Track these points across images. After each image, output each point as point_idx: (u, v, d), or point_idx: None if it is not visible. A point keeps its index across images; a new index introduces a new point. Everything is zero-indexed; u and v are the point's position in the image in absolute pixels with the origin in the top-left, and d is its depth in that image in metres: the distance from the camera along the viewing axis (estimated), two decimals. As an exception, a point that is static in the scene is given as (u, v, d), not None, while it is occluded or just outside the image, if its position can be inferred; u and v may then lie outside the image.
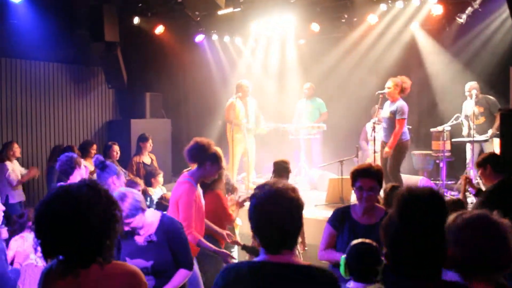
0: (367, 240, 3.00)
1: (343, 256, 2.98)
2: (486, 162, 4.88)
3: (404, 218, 1.92)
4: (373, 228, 3.49)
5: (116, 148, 8.18)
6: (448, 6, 8.28)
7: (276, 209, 2.04)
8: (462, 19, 8.14)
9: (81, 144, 8.41)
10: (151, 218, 3.38)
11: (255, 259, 2.17)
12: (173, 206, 4.24)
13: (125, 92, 10.77)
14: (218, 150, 4.46)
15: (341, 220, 3.70)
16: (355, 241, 3.02)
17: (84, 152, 7.73)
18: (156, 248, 3.34)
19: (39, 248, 1.92)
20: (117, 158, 8.14)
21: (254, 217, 2.11)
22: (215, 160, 4.32)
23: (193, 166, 4.43)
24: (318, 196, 8.12)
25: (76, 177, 4.80)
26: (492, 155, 5.19)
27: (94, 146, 8.06)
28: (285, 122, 9.73)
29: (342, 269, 2.95)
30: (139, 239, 3.37)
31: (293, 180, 8.40)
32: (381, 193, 4.21)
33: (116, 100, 11.02)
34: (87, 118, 10.49)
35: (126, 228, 3.25)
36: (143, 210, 3.30)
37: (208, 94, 11.02)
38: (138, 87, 10.62)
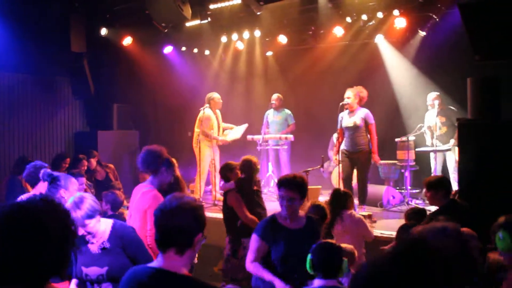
0: (330, 240, 3.26)
1: (309, 255, 3.18)
2: (441, 187, 4.87)
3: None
4: (301, 232, 3.72)
5: (85, 162, 8.24)
6: (411, 19, 8.49)
7: (160, 209, 2.34)
8: (424, 31, 8.40)
9: (54, 158, 8.39)
10: (104, 226, 3.45)
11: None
12: (139, 215, 4.23)
13: (92, 103, 10.67)
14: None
15: (272, 230, 3.74)
16: (319, 241, 3.30)
17: (56, 166, 7.73)
18: (110, 254, 3.39)
19: None
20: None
21: None
22: (169, 165, 4.44)
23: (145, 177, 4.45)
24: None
25: (40, 188, 4.67)
26: (446, 180, 5.11)
27: (67, 160, 8.04)
28: (253, 132, 9.78)
29: (308, 267, 3.17)
30: (93, 248, 3.42)
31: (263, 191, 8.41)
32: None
33: (83, 111, 10.89)
34: (54, 130, 10.32)
35: (82, 232, 3.30)
36: (99, 214, 3.39)
37: (176, 105, 11.00)
38: (106, 98, 10.54)
